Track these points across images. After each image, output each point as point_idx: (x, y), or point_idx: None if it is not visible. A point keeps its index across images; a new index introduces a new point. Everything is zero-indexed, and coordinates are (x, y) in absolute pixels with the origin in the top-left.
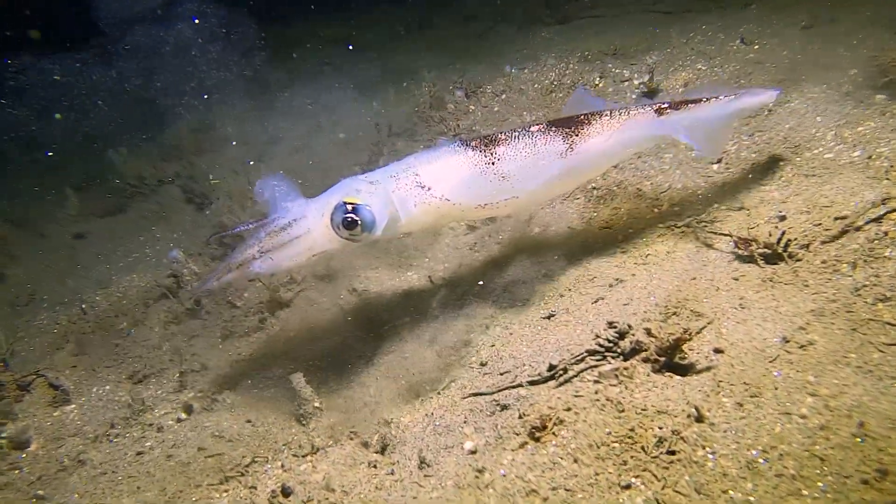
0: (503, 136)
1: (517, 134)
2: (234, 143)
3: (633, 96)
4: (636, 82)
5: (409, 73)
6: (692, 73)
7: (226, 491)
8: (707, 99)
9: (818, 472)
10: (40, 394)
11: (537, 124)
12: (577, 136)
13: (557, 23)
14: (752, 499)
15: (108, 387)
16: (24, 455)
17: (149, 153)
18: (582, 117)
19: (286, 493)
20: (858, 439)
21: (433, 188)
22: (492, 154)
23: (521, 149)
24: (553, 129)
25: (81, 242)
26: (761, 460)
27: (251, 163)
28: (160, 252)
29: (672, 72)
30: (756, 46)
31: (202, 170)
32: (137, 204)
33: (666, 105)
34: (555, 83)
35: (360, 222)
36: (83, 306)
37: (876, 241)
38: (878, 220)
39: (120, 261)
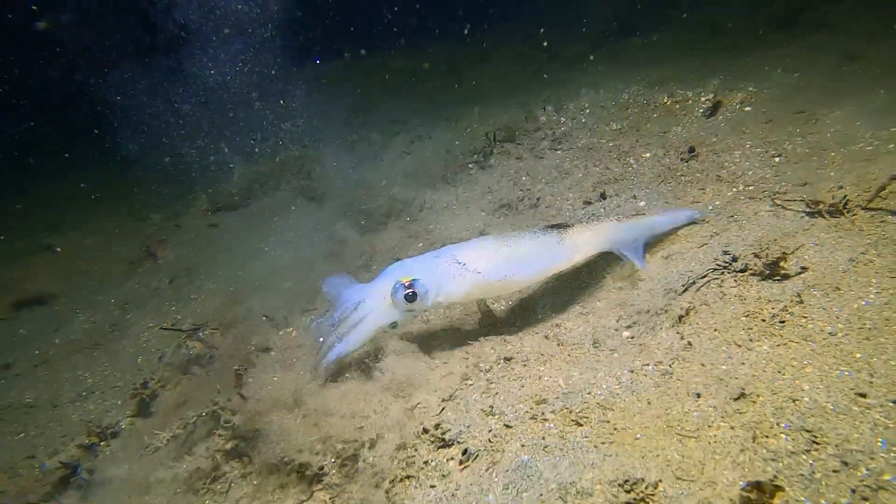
0: (517, 234)
1: (526, 233)
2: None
3: (700, 110)
4: (703, 99)
5: (488, 96)
6: (745, 94)
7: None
8: (647, 214)
9: (889, 329)
10: (260, 322)
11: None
12: (565, 233)
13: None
14: (843, 340)
15: (312, 317)
16: (272, 353)
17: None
18: (567, 224)
19: (507, 358)
20: None
21: (468, 265)
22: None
23: (528, 241)
24: (549, 229)
25: (217, 230)
26: (847, 321)
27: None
28: (300, 235)
29: (727, 93)
30: (797, 75)
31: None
32: (258, 201)
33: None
34: (630, 101)
35: (417, 294)
36: (239, 272)
37: None
38: None
39: (261, 242)
